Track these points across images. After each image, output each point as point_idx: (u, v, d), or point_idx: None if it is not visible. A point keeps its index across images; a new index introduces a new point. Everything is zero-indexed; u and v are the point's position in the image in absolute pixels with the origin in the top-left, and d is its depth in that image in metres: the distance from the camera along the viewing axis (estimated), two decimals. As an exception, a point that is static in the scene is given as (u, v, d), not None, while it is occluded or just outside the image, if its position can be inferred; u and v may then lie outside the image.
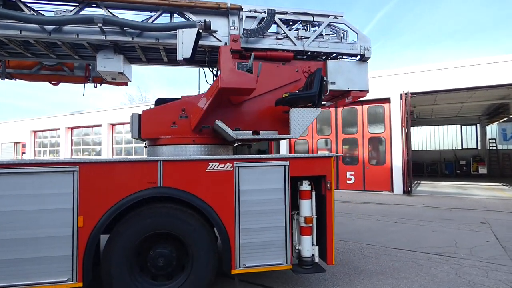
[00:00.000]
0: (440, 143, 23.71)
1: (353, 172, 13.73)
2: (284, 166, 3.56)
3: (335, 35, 4.79)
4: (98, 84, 5.59)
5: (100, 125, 21.73)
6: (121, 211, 3.21)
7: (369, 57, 4.69)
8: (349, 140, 14.10)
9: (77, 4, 4.02)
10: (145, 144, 4.50)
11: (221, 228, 3.37)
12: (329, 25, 4.73)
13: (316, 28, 4.69)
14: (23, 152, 26.47)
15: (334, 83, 4.63)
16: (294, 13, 4.58)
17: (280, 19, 4.60)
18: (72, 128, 23.76)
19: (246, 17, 4.44)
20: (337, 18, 4.69)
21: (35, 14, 4.00)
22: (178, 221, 3.33)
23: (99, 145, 21.95)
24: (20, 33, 3.92)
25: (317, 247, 3.66)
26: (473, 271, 4.65)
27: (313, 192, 3.70)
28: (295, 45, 4.56)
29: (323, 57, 4.82)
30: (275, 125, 4.39)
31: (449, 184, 16.47)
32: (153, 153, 4.30)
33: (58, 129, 24.10)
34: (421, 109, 17.75)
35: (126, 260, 3.22)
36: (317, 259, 3.66)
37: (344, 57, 4.87)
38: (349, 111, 14.01)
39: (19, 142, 26.99)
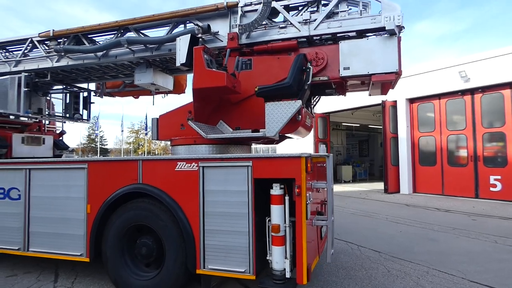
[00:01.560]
0: None
1: (499, 177, 10.34)
2: (247, 167, 3.27)
3: (353, 9, 3.95)
4: (164, 95, 6.58)
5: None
6: (114, 202, 3.77)
7: (392, 29, 3.62)
8: (493, 135, 10.69)
9: (115, 32, 4.95)
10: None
11: (186, 227, 3.43)
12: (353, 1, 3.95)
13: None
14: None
15: (348, 68, 3.84)
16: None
17: (287, 5, 4.19)
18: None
19: (246, 11, 4.28)
20: (359, -11, 3.86)
21: (93, 44, 5.18)
22: (153, 216, 3.62)
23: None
24: (83, 61, 5.19)
25: (288, 261, 3.17)
26: None
27: (286, 197, 3.22)
28: (300, 31, 4.05)
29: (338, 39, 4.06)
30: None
31: None
32: (173, 153, 4.75)
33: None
34: None
35: (117, 245, 3.76)
36: (288, 275, 3.16)
37: (371, 34, 3.95)
38: (492, 97, 10.64)
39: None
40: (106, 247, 3.80)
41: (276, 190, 3.22)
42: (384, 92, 4.48)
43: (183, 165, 3.51)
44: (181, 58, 4.16)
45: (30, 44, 5.59)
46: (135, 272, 3.72)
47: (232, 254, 3.29)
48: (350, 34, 4.09)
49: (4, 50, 5.94)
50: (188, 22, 4.65)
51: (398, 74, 3.73)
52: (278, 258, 3.18)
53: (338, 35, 4.07)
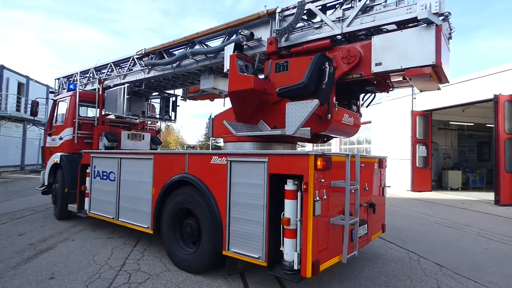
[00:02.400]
0: None
1: None
2: (264, 162, 3.54)
3: (389, 1, 3.74)
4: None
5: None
6: (169, 187, 4.59)
7: (425, 18, 3.29)
8: None
9: (185, 45, 5.85)
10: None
11: (216, 212, 3.93)
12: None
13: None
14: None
15: (380, 64, 3.68)
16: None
17: (324, 5, 4.24)
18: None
19: (285, 16, 4.50)
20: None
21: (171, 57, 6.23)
22: (194, 201, 4.26)
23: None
24: (164, 72, 6.30)
25: (297, 253, 3.30)
26: None
27: (299, 193, 3.36)
28: (333, 29, 4.05)
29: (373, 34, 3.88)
30: (308, 121, 4.14)
31: None
32: (224, 149, 5.33)
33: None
34: None
35: (171, 223, 4.56)
36: (296, 267, 3.30)
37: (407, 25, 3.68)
38: None
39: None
40: (163, 224, 4.66)
41: (289, 185, 3.40)
42: (433, 87, 4.01)
43: (216, 159, 4.03)
44: (227, 64, 4.68)
45: (132, 61, 7.08)
46: (181, 247, 4.45)
47: (250, 241, 3.63)
48: (390, 27, 3.87)
49: (118, 67, 7.65)
50: (240, 31, 5.14)
51: (436, 66, 3.36)
52: (288, 250, 3.36)
53: (380, 28, 3.90)
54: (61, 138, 7.49)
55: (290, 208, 3.37)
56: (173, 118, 8.21)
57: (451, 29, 3.91)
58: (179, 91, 8.24)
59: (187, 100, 8.06)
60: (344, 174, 3.74)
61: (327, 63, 3.57)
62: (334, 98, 4.07)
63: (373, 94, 5.00)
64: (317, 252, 3.27)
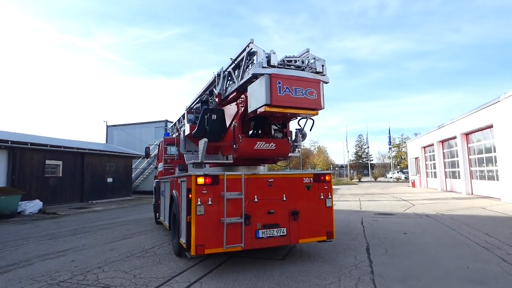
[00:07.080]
0: None
1: None
2: (185, 181, 5.53)
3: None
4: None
5: (454, 137, 21.00)
6: (170, 198, 7.09)
7: (252, 73, 4.64)
8: None
9: (198, 100, 8.42)
10: None
11: (178, 214, 6.12)
12: (252, 53, 5.25)
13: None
14: (419, 165, 30.68)
15: (250, 106, 5.11)
16: (235, 60, 5.72)
17: (238, 64, 5.92)
18: (442, 142, 24.54)
19: (223, 76, 6.38)
20: (250, 46, 5.13)
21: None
22: (175, 207, 6.57)
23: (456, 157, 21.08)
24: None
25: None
26: None
27: (197, 200, 5.17)
28: (237, 83, 5.70)
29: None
30: (229, 150, 5.84)
31: None
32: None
33: (432, 145, 25.92)
34: None
35: (172, 223, 6.99)
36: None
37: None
38: None
39: (417, 157, 31.65)
40: (170, 223, 7.17)
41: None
42: (310, 114, 4.93)
43: (179, 180, 6.27)
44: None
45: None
46: (175, 238, 6.78)
47: (184, 232, 5.62)
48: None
49: (178, 122, 10.99)
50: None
51: (269, 105, 4.55)
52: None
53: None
54: (158, 170, 11.38)
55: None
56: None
57: (316, 69, 4.85)
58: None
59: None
60: (240, 187, 5.24)
61: (208, 113, 5.31)
62: (240, 132, 5.62)
63: (310, 120, 5.99)
64: (202, 240, 4.94)
